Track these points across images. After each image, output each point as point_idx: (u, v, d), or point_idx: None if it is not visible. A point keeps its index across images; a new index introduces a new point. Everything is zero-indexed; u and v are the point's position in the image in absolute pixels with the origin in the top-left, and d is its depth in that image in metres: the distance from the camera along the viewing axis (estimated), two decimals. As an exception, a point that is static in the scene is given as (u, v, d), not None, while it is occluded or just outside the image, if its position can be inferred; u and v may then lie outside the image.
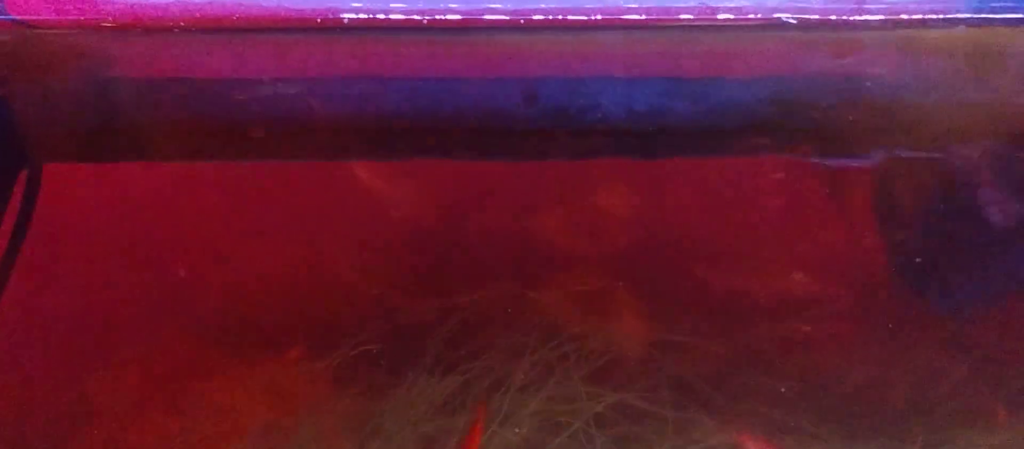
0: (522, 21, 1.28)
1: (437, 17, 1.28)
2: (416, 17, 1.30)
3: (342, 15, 1.29)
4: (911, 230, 1.23)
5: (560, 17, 1.28)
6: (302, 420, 1.04)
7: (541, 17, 1.29)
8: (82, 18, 1.40)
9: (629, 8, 1.31)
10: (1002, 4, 1.33)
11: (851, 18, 1.31)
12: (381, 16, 1.31)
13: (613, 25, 1.30)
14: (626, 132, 1.30)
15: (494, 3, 1.32)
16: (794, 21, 1.29)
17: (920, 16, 1.32)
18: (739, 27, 1.31)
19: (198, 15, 1.38)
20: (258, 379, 1.07)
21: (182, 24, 1.38)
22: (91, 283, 1.16)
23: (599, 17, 1.28)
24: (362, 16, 1.30)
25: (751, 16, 1.30)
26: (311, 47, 1.31)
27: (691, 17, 1.31)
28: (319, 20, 1.30)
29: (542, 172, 1.28)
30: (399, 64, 1.31)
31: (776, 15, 1.30)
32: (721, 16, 1.30)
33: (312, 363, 1.08)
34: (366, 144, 1.29)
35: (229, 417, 1.05)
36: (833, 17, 1.31)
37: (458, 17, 1.30)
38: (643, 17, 1.29)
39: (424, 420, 1.04)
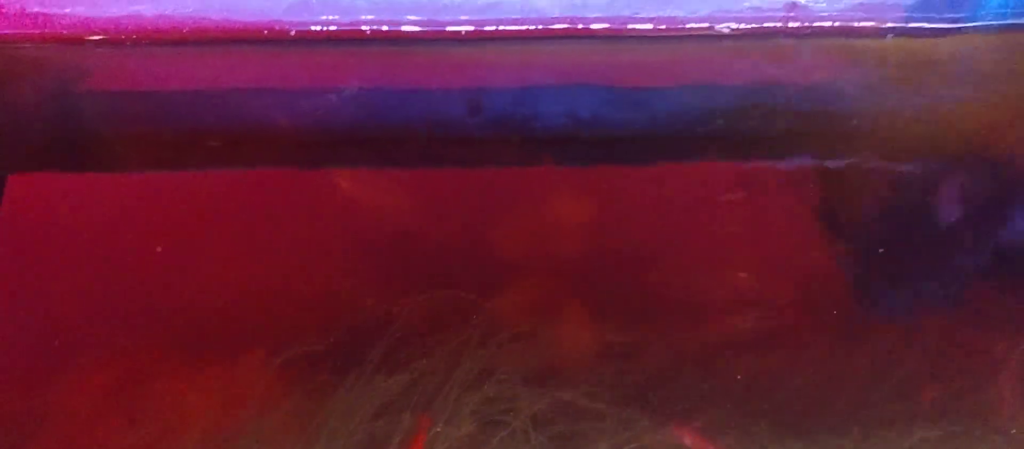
0: (463, 33, 1.28)
1: (383, 29, 1.29)
2: (363, 29, 1.31)
3: (289, 29, 1.30)
4: (848, 235, 1.24)
5: (504, 29, 1.29)
6: (250, 421, 1.06)
7: (488, 29, 1.30)
8: (40, 32, 1.40)
9: (567, 19, 1.33)
10: (929, 14, 1.35)
11: (783, 27, 1.33)
12: (327, 29, 1.31)
13: (554, 36, 1.31)
14: (569, 140, 1.32)
15: (447, 16, 1.33)
16: (728, 31, 1.31)
17: (849, 25, 1.33)
18: (675, 38, 1.32)
19: (152, 29, 1.38)
20: (209, 382, 1.09)
21: (135, 37, 1.39)
22: (52, 292, 1.17)
23: (540, 28, 1.29)
24: (310, 29, 1.31)
25: (687, 26, 1.31)
26: (261, 60, 1.32)
27: (629, 28, 1.31)
28: (266, 32, 1.30)
29: (488, 180, 1.30)
30: (346, 76, 1.32)
31: (711, 25, 1.31)
32: (658, 26, 1.31)
33: (261, 365, 1.10)
34: (315, 154, 1.31)
35: (180, 419, 1.06)
36: (765, 26, 1.32)
37: (415, 29, 1.31)
38: (582, 28, 1.31)
39: (369, 420, 1.06)
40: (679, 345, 1.12)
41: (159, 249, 1.21)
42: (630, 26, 1.33)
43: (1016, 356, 1.11)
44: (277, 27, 1.33)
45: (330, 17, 1.35)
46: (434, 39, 1.33)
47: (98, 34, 1.40)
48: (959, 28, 1.33)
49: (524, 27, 1.31)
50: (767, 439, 1.05)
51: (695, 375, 1.09)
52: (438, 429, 1.05)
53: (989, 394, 1.09)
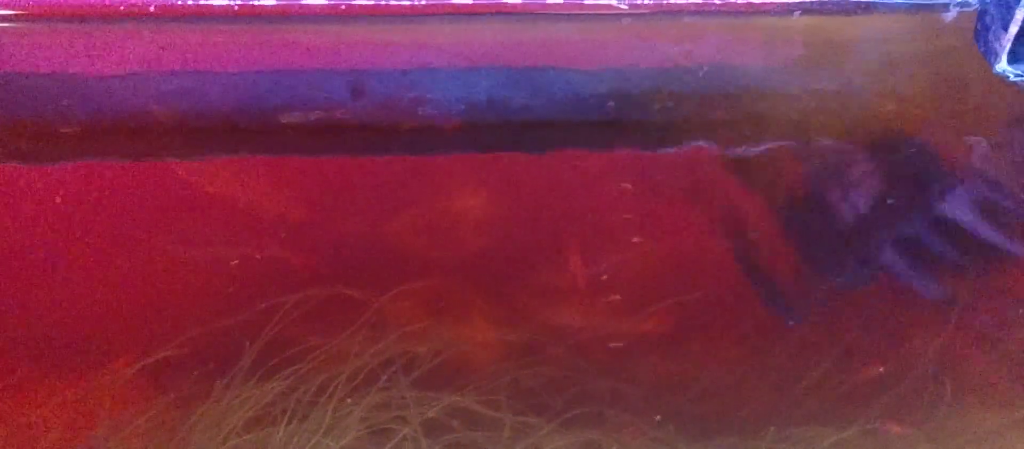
0: (343, 7, 1.23)
1: (252, 3, 1.23)
2: (232, 5, 1.24)
3: (149, 4, 1.23)
4: (757, 224, 1.23)
5: (383, 3, 1.25)
6: (108, 434, 1.01)
7: (363, 3, 1.26)
8: None
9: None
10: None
11: (688, 4, 1.31)
12: (189, 3, 1.25)
13: (440, 13, 1.27)
14: (463, 126, 1.27)
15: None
16: (626, 7, 1.27)
17: (756, 3, 1.33)
18: (575, 17, 1.29)
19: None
20: (65, 391, 1.04)
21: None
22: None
23: (424, 2, 1.25)
24: (174, 4, 1.24)
25: (587, 3, 1.28)
26: (118, 39, 1.25)
27: (521, 3, 1.29)
28: (123, 8, 1.23)
29: (373, 170, 1.24)
30: (214, 57, 1.26)
31: (612, 3, 1.29)
32: (552, 2, 1.29)
33: (122, 372, 1.05)
34: (185, 142, 1.23)
35: (32, 432, 1.02)
36: (670, 3, 1.31)
37: (289, 4, 1.26)
38: (471, 3, 1.27)
39: (239, 432, 1.01)
40: (581, 344, 1.10)
41: (10, 247, 1.16)
42: (526, 3, 1.29)
43: (933, 350, 1.12)
44: (137, 3, 1.25)
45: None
46: (312, 17, 1.28)
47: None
48: (869, 5, 1.32)
49: (411, 3, 1.26)
50: (677, 441, 1.04)
51: (598, 376, 1.08)
52: (318, 440, 1.00)
53: (906, 391, 1.09)
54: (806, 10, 1.33)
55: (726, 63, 1.34)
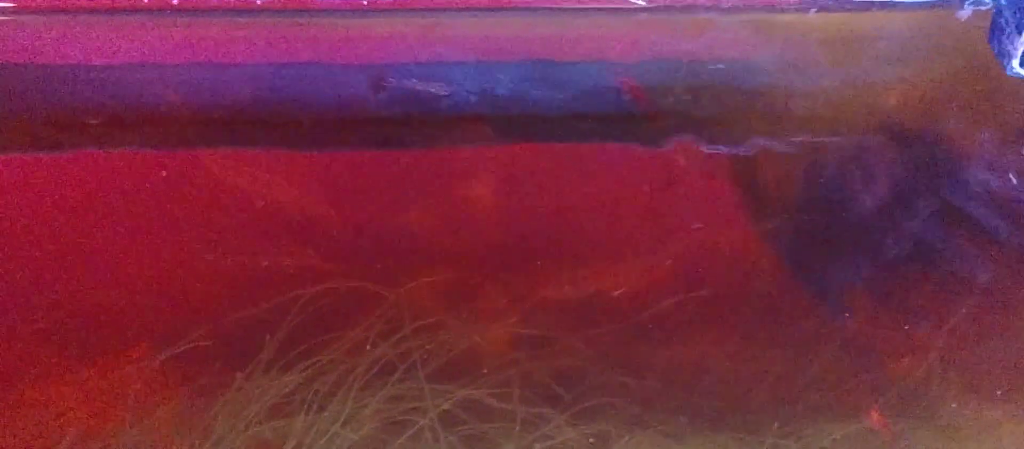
0: (365, 3, 1.23)
1: None
2: None
3: None
4: (774, 218, 1.22)
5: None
6: (130, 423, 1.01)
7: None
8: None
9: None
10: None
11: (703, 1, 1.31)
12: None
13: (460, 8, 1.27)
14: (481, 119, 1.27)
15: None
16: (646, 4, 1.27)
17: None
18: (589, 10, 1.29)
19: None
20: (87, 380, 1.04)
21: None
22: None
23: None
24: None
25: None
26: (140, 31, 1.25)
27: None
28: (147, 1, 1.23)
29: (392, 162, 1.24)
30: (235, 50, 1.26)
31: None
32: None
33: (145, 362, 1.05)
34: (205, 134, 1.24)
35: (55, 420, 1.01)
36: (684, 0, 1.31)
37: None
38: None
39: (260, 422, 1.01)
40: (594, 338, 1.10)
41: (34, 236, 1.16)
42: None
43: (938, 345, 1.11)
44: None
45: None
46: (332, 10, 1.28)
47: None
48: (883, 3, 1.32)
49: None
50: (686, 432, 1.04)
51: (609, 369, 1.08)
52: (336, 430, 1.01)
53: (909, 387, 1.09)
54: (822, 7, 1.33)
55: (741, 58, 1.34)
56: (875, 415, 1.06)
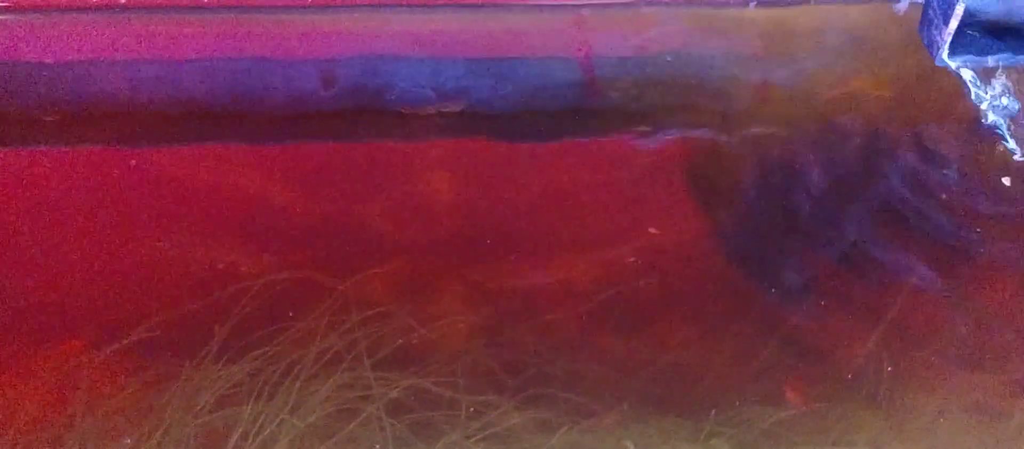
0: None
1: None
2: None
3: None
4: (719, 210, 1.24)
5: None
6: (80, 414, 1.02)
7: None
8: None
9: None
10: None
11: None
12: None
13: (407, 4, 1.28)
14: (429, 113, 1.29)
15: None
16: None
17: None
18: (537, 7, 1.31)
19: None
20: (36, 372, 1.04)
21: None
22: None
23: None
24: None
25: None
26: (95, 29, 1.26)
27: None
28: None
29: (342, 156, 1.26)
30: (186, 46, 1.27)
31: None
32: None
33: (93, 353, 1.06)
34: (158, 129, 1.25)
35: (3, 412, 1.02)
36: None
37: None
38: None
39: (209, 411, 1.02)
40: (541, 327, 1.11)
41: None
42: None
43: (879, 333, 1.13)
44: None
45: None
46: (280, 7, 1.29)
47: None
48: None
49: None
50: (629, 419, 1.05)
51: (556, 358, 1.08)
52: (284, 417, 1.02)
53: (851, 373, 1.10)
54: (761, 3, 1.35)
55: (682, 52, 1.35)
56: (790, 393, 1.08)
